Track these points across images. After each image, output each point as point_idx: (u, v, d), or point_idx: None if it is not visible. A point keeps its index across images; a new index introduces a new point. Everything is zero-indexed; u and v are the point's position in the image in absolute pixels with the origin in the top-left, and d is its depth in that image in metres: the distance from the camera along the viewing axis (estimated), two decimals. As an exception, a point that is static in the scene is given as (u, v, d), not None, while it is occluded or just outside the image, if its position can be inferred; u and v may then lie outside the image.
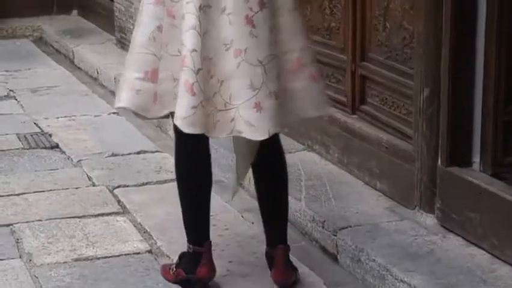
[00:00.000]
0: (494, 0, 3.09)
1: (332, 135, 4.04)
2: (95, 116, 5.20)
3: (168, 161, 4.30)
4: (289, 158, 4.09)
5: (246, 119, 2.80)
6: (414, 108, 3.44)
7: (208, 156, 3.04)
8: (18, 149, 4.64)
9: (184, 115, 2.77)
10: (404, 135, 3.62)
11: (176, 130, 2.89)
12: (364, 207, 3.58)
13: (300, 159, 4.12)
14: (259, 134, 2.82)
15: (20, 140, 4.76)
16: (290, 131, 4.32)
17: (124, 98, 2.95)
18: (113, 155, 4.52)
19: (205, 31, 2.76)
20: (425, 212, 3.41)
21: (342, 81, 4.07)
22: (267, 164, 3.09)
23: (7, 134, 4.86)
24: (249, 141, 2.91)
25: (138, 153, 4.55)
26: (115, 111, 5.03)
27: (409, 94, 3.54)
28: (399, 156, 3.58)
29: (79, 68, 6.54)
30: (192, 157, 3.01)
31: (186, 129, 2.79)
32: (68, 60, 6.78)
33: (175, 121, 2.81)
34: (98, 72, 6.12)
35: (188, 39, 2.76)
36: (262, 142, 2.89)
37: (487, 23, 3.13)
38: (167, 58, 2.86)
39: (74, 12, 7.89)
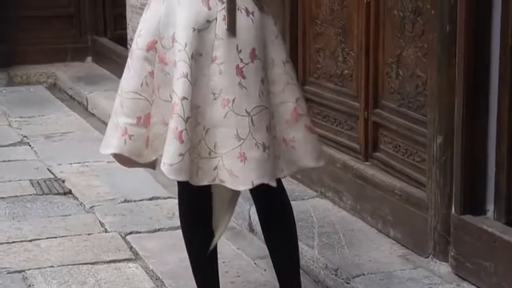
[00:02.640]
0: (507, 47, 3.09)
1: (345, 182, 4.03)
2: (108, 162, 5.16)
3: (181, 207, 4.29)
4: (302, 205, 4.11)
5: (230, 168, 2.78)
6: (428, 156, 3.44)
7: (210, 205, 3.01)
8: (31, 194, 4.64)
9: (171, 162, 2.75)
10: (417, 183, 3.61)
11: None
12: (377, 255, 3.56)
13: (312, 206, 4.11)
14: (241, 185, 2.80)
15: (33, 186, 4.77)
16: (303, 178, 4.32)
17: (115, 144, 2.94)
18: (126, 201, 4.52)
19: (195, 79, 2.76)
20: (439, 260, 3.39)
21: (355, 128, 4.07)
22: (273, 213, 3.06)
23: (20, 180, 4.87)
24: (231, 191, 2.92)
25: (151, 199, 4.55)
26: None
27: (422, 141, 3.53)
28: (412, 204, 3.57)
29: (92, 114, 6.57)
30: (193, 205, 3.00)
31: (172, 176, 2.77)
32: (81, 107, 6.82)
33: (161, 167, 2.79)
34: (111, 119, 6.13)
35: (180, 87, 2.75)
36: (265, 191, 2.85)
37: (500, 70, 3.13)
38: (158, 102, 2.85)
39: (89, 59, 7.95)
